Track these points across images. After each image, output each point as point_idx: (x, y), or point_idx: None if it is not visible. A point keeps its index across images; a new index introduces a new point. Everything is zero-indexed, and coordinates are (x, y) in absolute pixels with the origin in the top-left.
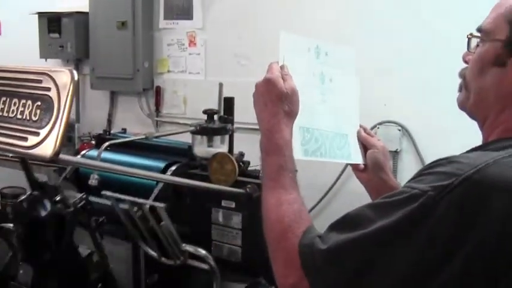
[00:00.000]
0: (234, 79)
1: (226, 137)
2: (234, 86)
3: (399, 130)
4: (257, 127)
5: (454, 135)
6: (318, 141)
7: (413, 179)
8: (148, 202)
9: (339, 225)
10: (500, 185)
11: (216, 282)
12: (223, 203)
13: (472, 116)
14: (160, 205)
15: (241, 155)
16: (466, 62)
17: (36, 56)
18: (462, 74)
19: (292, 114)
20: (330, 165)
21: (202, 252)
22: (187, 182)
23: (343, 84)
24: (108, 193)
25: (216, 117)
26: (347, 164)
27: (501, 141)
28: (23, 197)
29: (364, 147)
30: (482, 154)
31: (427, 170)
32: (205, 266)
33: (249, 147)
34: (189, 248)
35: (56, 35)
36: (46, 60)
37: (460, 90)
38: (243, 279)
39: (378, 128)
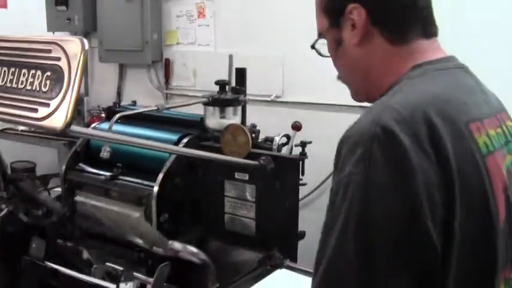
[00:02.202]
0: (243, 51)
1: (239, 108)
2: (243, 58)
3: None
4: (267, 99)
5: None
6: None
7: (335, 170)
8: None
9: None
10: (397, 124)
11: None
12: (237, 175)
13: (366, 100)
14: None
15: (254, 126)
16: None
17: (43, 29)
18: (338, 77)
19: None
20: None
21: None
22: (201, 153)
23: None
24: None
25: (227, 88)
26: None
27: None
28: None
29: None
30: (367, 111)
31: (341, 159)
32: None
33: (259, 118)
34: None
35: (63, 8)
36: (53, 33)
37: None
38: (256, 252)
39: None
